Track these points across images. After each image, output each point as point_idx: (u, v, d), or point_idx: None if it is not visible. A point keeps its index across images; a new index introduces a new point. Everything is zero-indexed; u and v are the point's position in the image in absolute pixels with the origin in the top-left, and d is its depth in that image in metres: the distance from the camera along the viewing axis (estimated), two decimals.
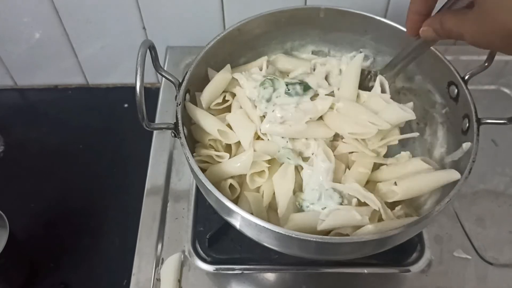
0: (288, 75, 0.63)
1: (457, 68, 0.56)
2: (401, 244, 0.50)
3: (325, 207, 0.51)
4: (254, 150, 0.54)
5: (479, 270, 0.61)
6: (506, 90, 0.79)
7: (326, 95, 0.58)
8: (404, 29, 0.58)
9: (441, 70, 0.57)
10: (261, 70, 0.62)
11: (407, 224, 0.45)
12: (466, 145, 0.53)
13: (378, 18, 0.61)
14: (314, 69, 0.62)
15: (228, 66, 0.61)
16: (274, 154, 0.55)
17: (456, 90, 0.56)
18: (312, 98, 0.57)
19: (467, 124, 0.53)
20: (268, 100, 0.56)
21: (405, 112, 0.55)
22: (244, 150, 0.55)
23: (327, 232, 0.51)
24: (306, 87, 0.57)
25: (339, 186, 0.52)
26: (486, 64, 0.54)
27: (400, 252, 0.61)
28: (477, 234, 0.64)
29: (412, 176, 0.54)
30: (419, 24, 0.46)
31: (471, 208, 0.66)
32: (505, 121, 0.52)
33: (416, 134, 0.58)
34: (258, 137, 0.57)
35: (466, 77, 0.55)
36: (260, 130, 0.56)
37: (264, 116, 0.56)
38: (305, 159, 0.55)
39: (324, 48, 0.67)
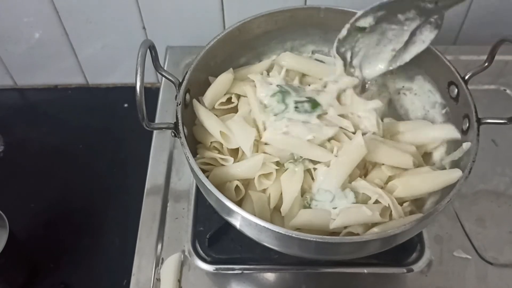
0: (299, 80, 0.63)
1: (457, 68, 0.56)
2: (401, 244, 0.50)
3: (336, 207, 0.51)
4: (265, 152, 0.54)
5: (479, 270, 0.61)
6: (506, 90, 0.79)
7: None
8: None
9: (441, 70, 0.57)
10: (267, 72, 0.62)
11: (407, 224, 0.45)
12: (466, 145, 0.53)
13: None
14: (325, 86, 0.60)
15: (231, 68, 0.61)
16: (283, 158, 0.55)
17: (456, 90, 0.56)
18: (319, 116, 0.56)
19: (467, 124, 0.53)
20: (276, 114, 0.56)
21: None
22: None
23: (338, 232, 0.51)
24: (314, 105, 0.57)
25: (349, 185, 0.52)
26: (486, 64, 0.54)
27: (400, 252, 0.61)
28: (477, 234, 0.64)
29: (413, 175, 0.55)
30: None
31: (471, 208, 0.66)
32: (505, 121, 0.52)
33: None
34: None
35: (466, 77, 0.55)
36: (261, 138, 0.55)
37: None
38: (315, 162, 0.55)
39: (324, 48, 0.67)
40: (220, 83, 0.59)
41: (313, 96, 0.58)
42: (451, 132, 0.56)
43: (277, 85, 0.58)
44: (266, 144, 0.56)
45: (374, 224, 0.51)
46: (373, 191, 0.52)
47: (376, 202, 0.52)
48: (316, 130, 0.54)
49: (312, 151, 0.54)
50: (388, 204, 0.51)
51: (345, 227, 0.51)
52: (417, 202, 0.55)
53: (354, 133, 0.56)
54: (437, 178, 0.53)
